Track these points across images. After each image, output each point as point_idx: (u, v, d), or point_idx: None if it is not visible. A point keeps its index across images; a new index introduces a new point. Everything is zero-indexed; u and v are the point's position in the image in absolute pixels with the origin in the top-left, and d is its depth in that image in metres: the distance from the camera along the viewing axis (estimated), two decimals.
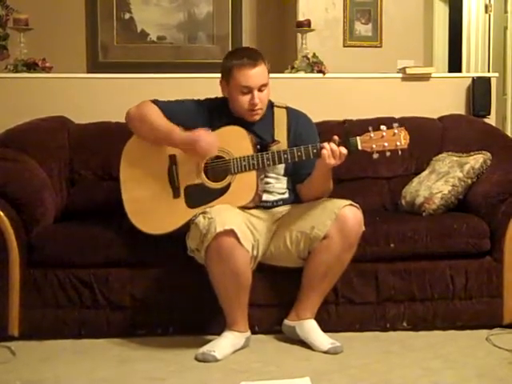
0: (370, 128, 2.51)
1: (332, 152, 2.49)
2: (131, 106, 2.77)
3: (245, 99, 2.68)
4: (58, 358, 2.55)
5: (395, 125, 2.52)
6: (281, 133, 2.76)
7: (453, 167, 3.10)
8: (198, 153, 2.63)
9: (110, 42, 5.47)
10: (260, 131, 2.73)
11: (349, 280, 2.75)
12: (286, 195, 2.78)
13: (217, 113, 2.76)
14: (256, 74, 2.66)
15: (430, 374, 2.36)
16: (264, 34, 5.59)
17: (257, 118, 2.72)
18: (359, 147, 2.52)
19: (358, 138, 2.52)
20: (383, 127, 2.51)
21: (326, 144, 2.51)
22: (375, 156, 2.52)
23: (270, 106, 2.80)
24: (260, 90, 2.67)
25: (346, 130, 2.60)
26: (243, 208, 2.63)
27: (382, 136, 2.50)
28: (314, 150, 2.55)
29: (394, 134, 2.51)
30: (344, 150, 2.50)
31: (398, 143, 2.51)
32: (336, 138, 2.52)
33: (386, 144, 2.50)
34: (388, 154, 2.52)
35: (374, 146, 2.50)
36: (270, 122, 2.78)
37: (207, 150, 2.61)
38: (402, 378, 2.32)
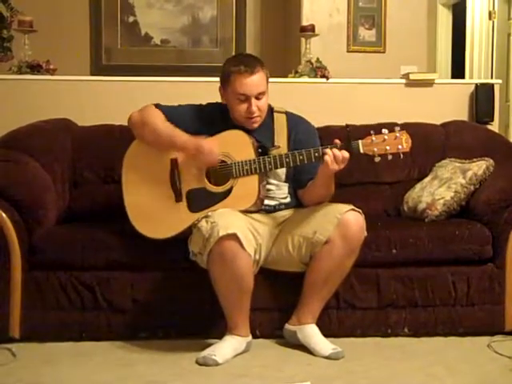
0: (372, 132, 2.51)
1: (335, 157, 2.48)
2: (134, 110, 2.77)
3: (242, 107, 2.66)
4: (59, 360, 2.54)
5: (397, 128, 2.52)
6: (281, 138, 2.75)
7: (455, 173, 3.10)
8: (199, 161, 2.63)
9: (114, 45, 5.49)
10: (260, 136, 2.72)
11: (350, 285, 2.75)
12: (288, 199, 2.78)
13: (218, 117, 2.76)
14: (253, 82, 2.64)
15: (431, 380, 2.36)
16: (268, 38, 5.61)
17: (255, 125, 2.71)
18: (361, 151, 2.51)
19: (359, 141, 2.51)
20: (385, 131, 2.50)
21: (328, 150, 2.50)
22: (377, 159, 2.51)
23: (270, 111, 2.79)
24: (257, 97, 2.65)
25: (348, 134, 2.60)
26: (245, 212, 2.63)
27: (384, 139, 2.50)
28: (316, 154, 2.55)
29: (396, 138, 2.50)
30: (346, 154, 2.49)
31: (400, 146, 2.50)
32: (338, 141, 2.52)
33: (387, 147, 2.49)
34: (390, 157, 2.51)
35: (375, 149, 2.50)
36: (270, 127, 2.77)
37: (208, 159, 2.61)
38: None
